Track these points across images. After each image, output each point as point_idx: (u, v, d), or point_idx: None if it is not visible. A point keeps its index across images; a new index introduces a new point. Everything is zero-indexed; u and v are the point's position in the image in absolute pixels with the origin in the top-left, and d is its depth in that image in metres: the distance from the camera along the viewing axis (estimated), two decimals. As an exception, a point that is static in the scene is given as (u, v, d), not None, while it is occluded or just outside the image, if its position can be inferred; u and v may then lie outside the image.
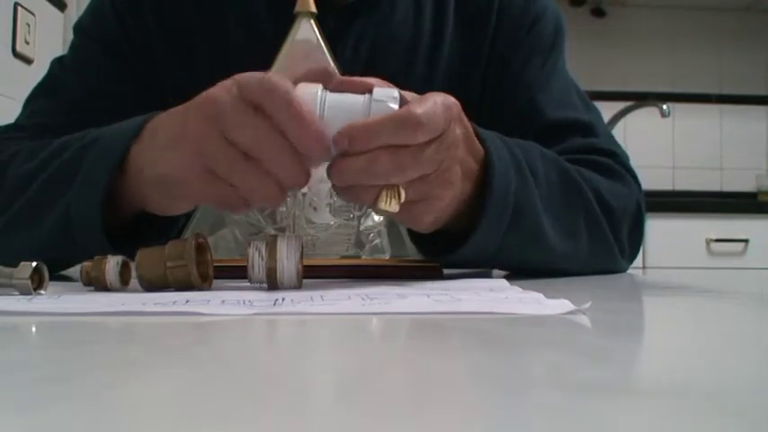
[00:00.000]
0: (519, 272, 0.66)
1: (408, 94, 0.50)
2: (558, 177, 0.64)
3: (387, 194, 0.48)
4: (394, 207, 0.49)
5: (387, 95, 0.48)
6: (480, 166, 0.56)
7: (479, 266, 0.70)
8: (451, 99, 0.51)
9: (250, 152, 0.47)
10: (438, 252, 0.60)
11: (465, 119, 0.54)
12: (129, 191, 0.55)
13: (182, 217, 0.61)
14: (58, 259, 0.59)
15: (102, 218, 0.55)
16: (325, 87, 0.49)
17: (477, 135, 0.57)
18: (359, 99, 0.48)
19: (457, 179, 0.53)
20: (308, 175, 0.48)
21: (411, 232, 0.60)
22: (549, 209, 0.62)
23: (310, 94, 0.47)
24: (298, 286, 0.47)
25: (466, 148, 0.54)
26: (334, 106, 0.48)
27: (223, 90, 0.48)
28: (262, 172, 0.47)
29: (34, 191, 0.60)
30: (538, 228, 0.60)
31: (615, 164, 0.75)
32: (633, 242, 0.75)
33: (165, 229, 0.61)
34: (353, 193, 0.50)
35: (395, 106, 0.48)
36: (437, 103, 0.49)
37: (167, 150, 0.51)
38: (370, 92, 0.48)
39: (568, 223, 0.64)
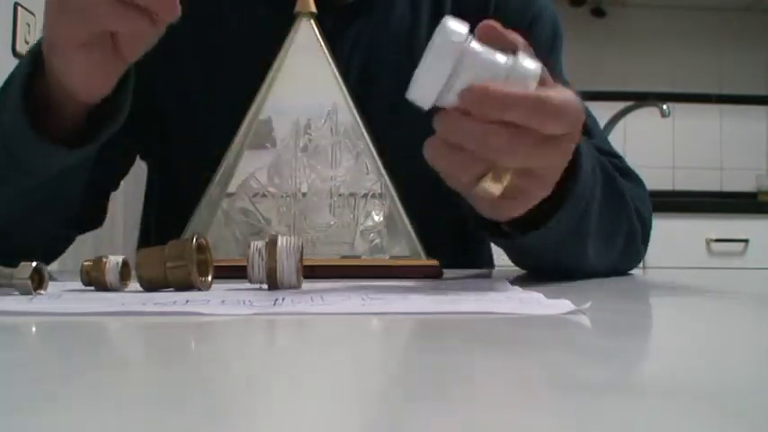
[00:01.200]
0: (548, 273, 0.64)
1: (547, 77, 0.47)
2: (605, 185, 0.62)
3: (494, 175, 0.45)
4: (496, 189, 0.45)
5: (530, 69, 0.44)
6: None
7: (522, 259, 0.68)
8: (578, 100, 0.48)
9: None
10: (493, 234, 0.59)
11: (582, 116, 0.50)
12: (50, 82, 0.55)
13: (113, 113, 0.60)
14: (10, 193, 0.60)
15: (30, 114, 0.55)
16: (471, 31, 0.45)
17: None
18: (500, 59, 0.44)
19: (553, 183, 0.50)
20: None
21: (470, 209, 0.57)
22: (600, 216, 0.61)
23: (458, 34, 0.44)
24: (298, 286, 0.47)
25: (576, 142, 0.50)
26: (475, 56, 0.44)
27: None
28: None
29: None
30: (587, 233, 0.59)
31: (623, 165, 0.76)
32: (646, 245, 0.76)
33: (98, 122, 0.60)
34: (455, 160, 0.46)
35: (534, 84, 0.44)
36: (573, 101, 0.46)
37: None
38: (514, 52, 0.45)
39: (610, 230, 0.64)
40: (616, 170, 0.72)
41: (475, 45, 0.45)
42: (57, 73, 0.54)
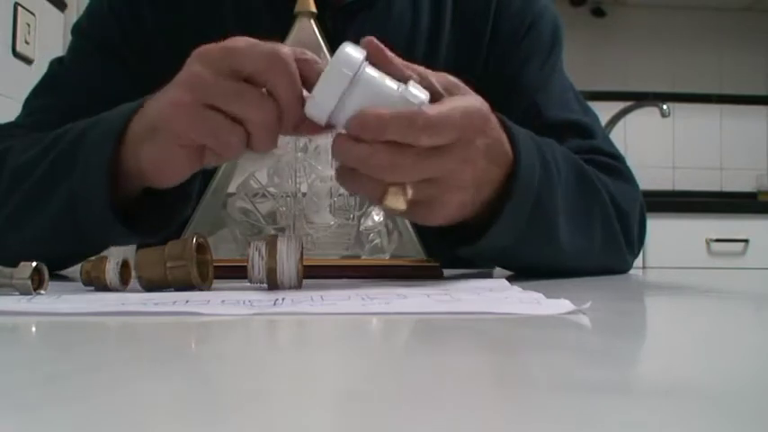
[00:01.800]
0: (528, 272, 0.65)
1: (454, 88, 0.50)
2: (576, 177, 0.64)
3: (394, 191, 0.48)
4: (400, 204, 0.48)
5: (418, 96, 0.47)
6: (507, 167, 0.55)
7: (494, 262, 0.69)
8: (478, 107, 0.51)
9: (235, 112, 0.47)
10: (455, 245, 0.59)
11: (492, 126, 0.53)
12: (128, 163, 0.55)
13: (182, 205, 0.60)
14: (62, 252, 0.59)
15: (108, 195, 0.54)
16: (367, 58, 0.48)
17: (506, 130, 0.56)
18: (391, 86, 0.47)
19: (468, 185, 0.52)
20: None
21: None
22: (567, 208, 0.61)
23: (351, 63, 0.46)
24: (298, 286, 0.47)
25: (488, 158, 0.53)
26: (366, 83, 0.47)
27: (207, 62, 0.49)
28: (260, 95, 0.47)
29: (36, 178, 0.59)
30: (554, 225, 0.60)
31: (618, 164, 0.76)
32: (638, 243, 0.76)
33: (169, 211, 0.60)
34: (358, 184, 0.49)
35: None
36: (456, 110, 0.48)
37: (154, 102, 0.53)
38: (406, 81, 0.48)
39: (584, 223, 0.65)
40: (603, 167, 0.72)
41: (369, 71, 0.47)
42: (141, 152, 0.53)
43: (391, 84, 0.48)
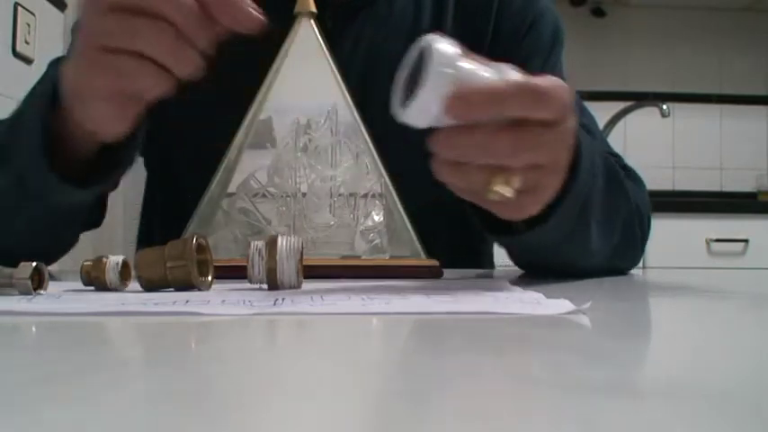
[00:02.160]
0: (545, 273, 0.64)
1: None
2: (607, 177, 0.63)
3: (502, 179, 0.45)
4: (508, 191, 0.45)
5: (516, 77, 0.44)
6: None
7: (528, 258, 0.68)
8: (564, 84, 0.48)
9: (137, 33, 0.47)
10: (495, 233, 0.59)
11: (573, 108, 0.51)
12: (71, 126, 0.56)
13: (135, 141, 0.61)
14: (33, 235, 0.61)
15: (49, 156, 0.56)
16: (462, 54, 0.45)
17: None
18: (488, 73, 0.45)
19: (563, 168, 0.50)
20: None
21: (473, 208, 0.57)
22: (602, 210, 0.61)
23: (449, 60, 0.44)
24: (297, 286, 0.47)
25: (571, 142, 0.51)
26: (468, 77, 0.44)
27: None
28: (148, 23, 0.47)
29: None
30: (590, 227, 0.60)
31: (626, 164, 0.76)
32: (644, 243, 0.76)
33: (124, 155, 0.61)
34: (462, 174, 0.46)
35: None
36: (560, 84, 0.46)
37: (67, 62, 0.53)
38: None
39: (610, 225, 0.64)
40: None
41: (464, 63, 0.45)
42: (77, 116, 0.55)
43: (487, 70, 0.45)
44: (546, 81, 0.45)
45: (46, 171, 0.56)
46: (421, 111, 0.44)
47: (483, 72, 0.45)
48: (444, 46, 0.44)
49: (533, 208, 0.51)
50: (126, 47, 0.48)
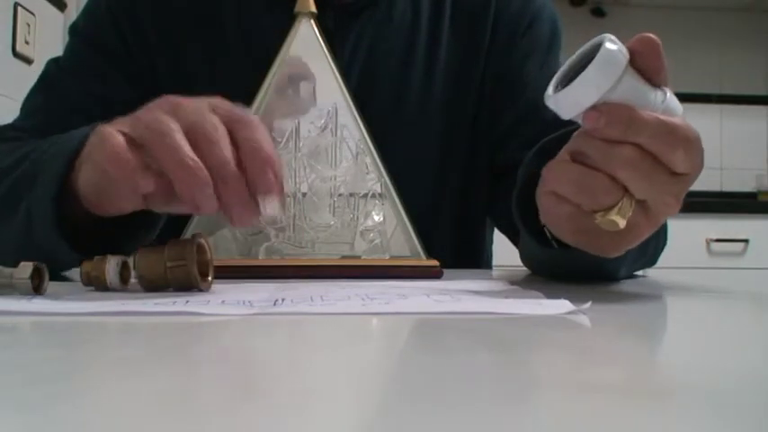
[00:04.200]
0: (565, 280, 0.62)
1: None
2: None
3: (624, 206, 0.44)
4: (621, 222, 0.44)
5: (678, 109, 0.45)
6: None
7: (563, 269, 0.65)
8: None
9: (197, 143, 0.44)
10: (541, 242, 0.57)
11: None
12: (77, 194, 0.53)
13: (153, 225, 0.59)
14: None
15: (59, 215, 0.53)
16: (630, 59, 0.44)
17: None
18: (651, 92, 0.44)
19: (660, 223, 0.49)
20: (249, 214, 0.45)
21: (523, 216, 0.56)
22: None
23: (618, 61, 0.43)
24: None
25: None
26: (630, 82, 0.43)
27: (191, 102, 0.47)
28: (198, 164, 0.43)
29: (4, 191, 0.59)
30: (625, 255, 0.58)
31: None
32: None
33: (138, 231, 0.59)
34: (599, 187, 0.44)
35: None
36: (700, 140, 0.45)
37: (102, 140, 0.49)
38: (660, 87, 0.45)
39: (642, 251, 0.62)
40: None
41: (631, 71, 0.44)
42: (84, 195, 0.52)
43: (651, 90, 0.45)
44: (691, 131, 0.44)
45: (58, 240, 0.53)
46: (575, 96, 0.43)
47: (645, 86, 0.44)
48: (615, 47, 0.43)
49: (621, 249, 0.49)
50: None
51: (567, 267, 0.59)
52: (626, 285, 0.61)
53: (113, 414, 0.17)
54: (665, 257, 0.77)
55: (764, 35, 2.71)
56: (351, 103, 0.64)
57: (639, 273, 0.72)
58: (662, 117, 0.44)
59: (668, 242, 0.71)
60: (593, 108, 0.43)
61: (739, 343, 0.31)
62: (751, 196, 2.59)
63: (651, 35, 0.44)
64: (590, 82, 0.43)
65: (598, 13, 2.63)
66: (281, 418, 0.17)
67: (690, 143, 0.44)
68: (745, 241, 2.08)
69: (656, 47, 0.44)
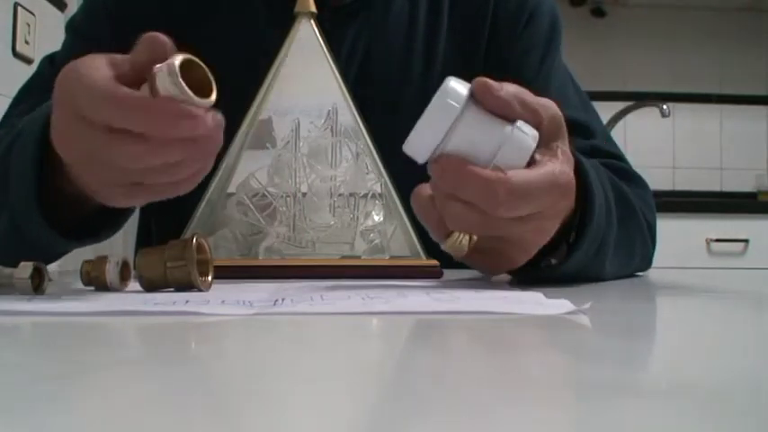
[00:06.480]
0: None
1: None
2: (619, 205, 0.62)
3: (458, 236, 0.47)
4: (461, 249, 0.47)
5: (526, 141, 0.45)
6: (576, 197, 0.52)
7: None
8: (565, 179, 0.48)
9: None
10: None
11: (571, 192, 0.50)
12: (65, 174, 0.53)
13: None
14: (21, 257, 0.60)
15: (44, 211, 0.53)
16: (472, 95, 0.45)
17: (578, 169, 0.53)
18: (497, 126, 0.45)
19: (533, 252, 0.50)
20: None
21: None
22: (616, 242, 0.60)
23: (457, 96, 0.44)
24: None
25: (559, 219, 0.51)
26: (470, 121, 0.45)
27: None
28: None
29: None
30: (605, 257, 0.59)
31: (628, 168, 0.75)
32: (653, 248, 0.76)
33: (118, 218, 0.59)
34: (432, 215, 0.48)
35: (527, 156, 0.45)
36: (542, 184, 0.45)
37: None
38: (514, 121, 0.46)
39: (626, 253, 0.64)
40: (619, 174, 0.71)
41: (474, 109, 0.45)
42: (76, 184, 0.52)
43: (498, 123, 0.45)
44: (521, 180, 0.45)
45: (41, 222, 0.54)
46: (419, 141, 0.45)
47: (489, 122, 0.45)
48: (456, 84, 0.45)
49: (495, 270, 0.52)
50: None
51: (535, 281, 0.61)
52: (626, 285, 0.61)
53: (113, 414, 0.17)
54: (666, 257, 0.77)
55: (764, 35, 2.71)
56: (351, 104, 0.64)
57: (639, 273, 0.72)
58: (488, 174, 0.44)
59: (668, 242, 0.71)
60: (436, 160, 0.45)
61: (739, 343, 0.31)
62: (751, 196, 2.59)
63: (482, 78, 0.46)
64: (432, 119, 0.45)
65: (598, 13, 2.63)
66: (282, 418, 0.17)
67: (518, 195, 0.44)
68: (745, 241, 2.08)
69: (487, 88, 0.46)
